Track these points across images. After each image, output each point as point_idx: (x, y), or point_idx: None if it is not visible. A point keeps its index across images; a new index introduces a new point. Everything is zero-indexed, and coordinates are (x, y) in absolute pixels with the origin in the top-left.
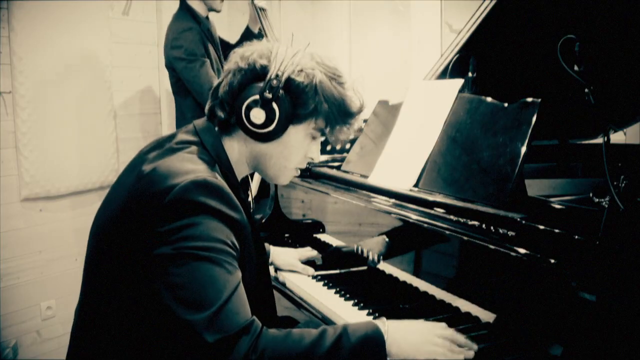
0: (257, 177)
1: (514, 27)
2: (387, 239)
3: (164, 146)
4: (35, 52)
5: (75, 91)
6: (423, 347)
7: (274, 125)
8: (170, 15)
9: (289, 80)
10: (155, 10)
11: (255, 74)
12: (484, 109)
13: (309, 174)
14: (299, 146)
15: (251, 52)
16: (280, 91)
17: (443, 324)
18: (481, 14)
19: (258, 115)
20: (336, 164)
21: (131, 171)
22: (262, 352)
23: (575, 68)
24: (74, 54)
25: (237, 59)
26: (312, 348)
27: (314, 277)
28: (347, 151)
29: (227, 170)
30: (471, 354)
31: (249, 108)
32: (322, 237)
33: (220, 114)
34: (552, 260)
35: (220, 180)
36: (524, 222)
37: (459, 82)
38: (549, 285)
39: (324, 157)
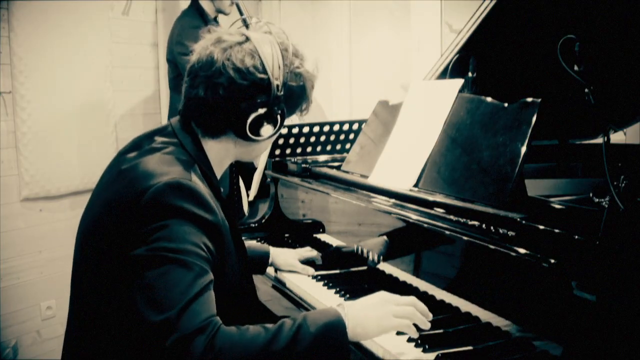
0: (257, 178)
1: (514, 27)
2: (387, 239)
3: (142, 147)
4: (35, 52)
5: (75, 91)
6: (386, 323)
7: (275, 130)
8: (170, 14)
9: (287, 87)
10: (155, 10)
11: (254, 87)
12: (484, 109)
13: (309, 174)
14: (278, 132)
15: (240, 60)
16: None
17: (399, 297)
18: (481, 14)
19: (267, 129)
20: (336, 164)
21: (111, 172)
22: (219, 350)
23: (575, 68)
24: (73, 54)
25: (229, 70)
26: (271, 340)
27: (314, 277)
28: (347, 151)
29: (207, 171)
30: (428, 324)
31: (255, 122)
32: (322, 237)
33: (209, 120)
34: (552, 260)
35: (195, 182)
36: (524, 222)
37: (459, 82)
38: (549, 285)
39: (324, 157)
